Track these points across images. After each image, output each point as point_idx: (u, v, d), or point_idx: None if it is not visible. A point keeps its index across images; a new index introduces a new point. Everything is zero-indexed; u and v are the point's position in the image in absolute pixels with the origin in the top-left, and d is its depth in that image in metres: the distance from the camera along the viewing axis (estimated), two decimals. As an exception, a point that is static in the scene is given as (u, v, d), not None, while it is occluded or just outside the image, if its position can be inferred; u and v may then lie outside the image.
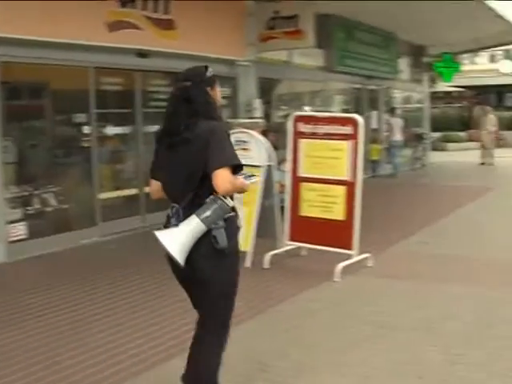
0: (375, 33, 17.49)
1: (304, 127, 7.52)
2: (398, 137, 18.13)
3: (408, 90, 21.89)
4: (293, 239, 7.72)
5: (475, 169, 20.74)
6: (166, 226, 3.45)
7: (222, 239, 3.29)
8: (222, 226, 3.30)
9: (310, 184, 7.47)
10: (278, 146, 9.27)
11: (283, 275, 7.17)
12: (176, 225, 3.33)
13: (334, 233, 7.19)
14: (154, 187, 3.65)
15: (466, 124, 32.45)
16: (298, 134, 7.58)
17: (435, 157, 23.59)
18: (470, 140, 27.50)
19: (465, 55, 59.67)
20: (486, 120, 22.03)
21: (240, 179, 3.39)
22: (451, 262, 7.67)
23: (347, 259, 7.05)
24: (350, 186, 7.12)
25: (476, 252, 8.26)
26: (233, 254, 3.43)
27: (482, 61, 60.09)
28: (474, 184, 15.97)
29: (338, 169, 7.19)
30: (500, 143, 31.98)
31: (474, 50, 24.26)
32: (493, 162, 21.39)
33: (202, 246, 3.29)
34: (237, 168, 3.35)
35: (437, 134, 31.69)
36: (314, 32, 12.62)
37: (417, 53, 21.59)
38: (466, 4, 14.00)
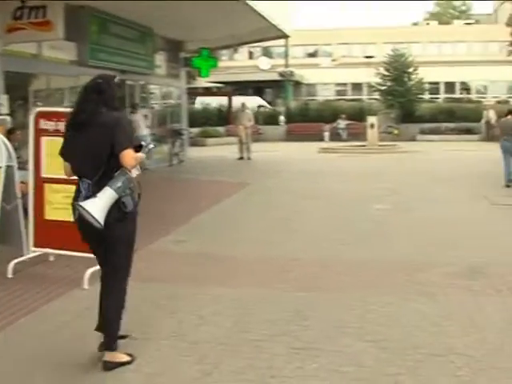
0: (131, 27, 17.16)
1: (46, 124, 6.90)
2: (144, 132, 17.73)
3: (165, 86, 21.75)
4: (38, 245, 7.10)
5: (234, 164, 21.20)
6: (77, 197, 4.31)
7: (130, 204, 4.28)
8: (128, 193, 4.26)
9: (54, 185, 6.86)
10: (21, 144, 8.60)
11: (29, 285, 6.56)
12: (89, 196, 4.19)
13: (81, 236, 6.70)
14: (66, 166, 4.49)
15: (225, 119, 33.33)
16: (40, 132, 6.96)
17: (194, 152, 23.81)
18: (229, 135, 28.21)
19: (224, 51, 62.15)
20: (243, 115, 22.58)
21: (139, 154, 4.36)
22: (208, 262, 7.53)
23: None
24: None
25: (232, 250, 8.22)
26: (135, 214, 4.41)
27: (241, 57, 62.51)
28: (231, 179, 16.19)
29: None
30: (258, 137, 33.43)
31: (232, 46, 24.87)
32: (250, 157, 22.02)
33: (113, 210, 4.20)
34: (137, 147, 4.34)
35: (196, 129, 32.18)
36: (63, 23, 12.02)
37: (174, 48, 21.57)
38: (222, 1, 14.17)
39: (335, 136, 33.38)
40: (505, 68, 53.92)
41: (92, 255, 4.79)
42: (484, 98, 52.83)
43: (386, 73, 36.15)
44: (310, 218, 10.57)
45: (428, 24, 69.90)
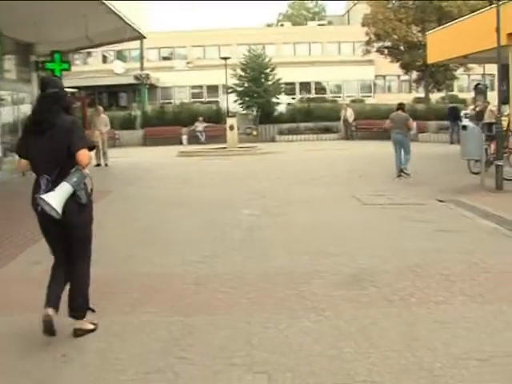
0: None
1: None
2: None
3: (15, 91, 20.03)
4: None
5: (91, 171, 19.74)
6: (37, 191, 4.80)
7: (84, 197, 4.87)
8: (82, 188, 4.84)
9: None
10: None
11: None
12: (48, 190, 4.68)
13: None
14: (23, 163, 5.02)
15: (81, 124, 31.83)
16: None
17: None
18: (86, 140, 26.84)
19: (77, 56, 60.02)
20: (99, 120, 21.40)
21: (91, 153, 5.00)
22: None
23: None
24: None
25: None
26: (90, 206, 5.03)
27: (94, 61, 60.63)
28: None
29: None
30: (114, 143, 32.29)
31: (87, 48, 23.51)
32: (108, 163, 20.95)
33: (69, 202, 4.74)
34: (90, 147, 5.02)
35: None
36: None
37: (24, 51, 20.01)
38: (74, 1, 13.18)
39: (194, 139, 32.87)
40: (357, 68, 55.71)
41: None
42: (339, 97, 54.27)
43: (243, 73, 35.92)
44: (177, 227, 9.81)
45: (282, 25, 70.90)
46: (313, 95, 56.40)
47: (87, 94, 46.42)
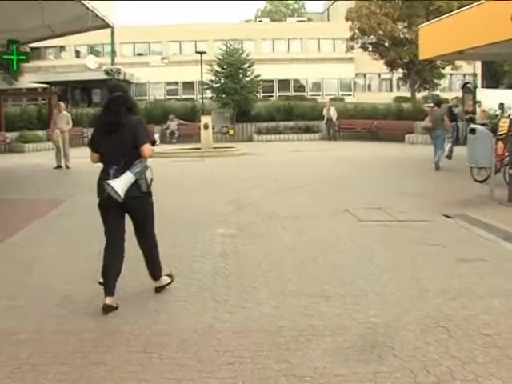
0: None
1: None
2: None
3: None
4: None
5: (49, 174, 17.88)
6: (105, 179, 5.50)
7: (144, 186, 5.66)
8: (143, 178, 5.65)
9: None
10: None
11: None
12: (116, 177, 5.44)
13: None
14: (95, 156, 5.75)
15: (47, 122, 29.82)
16: None
17: (8, 160, 20.37)
18: (50, 139, 24.76)
19: (50, 50, 57.91)
20: (59, 118, 19.29)
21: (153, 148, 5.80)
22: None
23: None
24: None
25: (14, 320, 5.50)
26: (149, 194, 5.82)
27: (67, 56, 58.59)
28: (41, 195, 13.19)
29: None
30: (84, 141, 30.19)
31: (48, 38, 21.39)
32: (69, 165, 18.91)
33: (132, 190, 5.53)
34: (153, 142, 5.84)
35: (14, 134, 28.66)
36: None
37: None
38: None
39: (166, 138, 30.99)
40: (337, 66, 54.24)
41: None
42: (318, 95, 52.75)
43: (220, 69, 33.98)
44: (133, 256, 7.79)
45: (261, 21, 69.06)
46: (291, 93, 54.77)
47: (60, 89, 44.67)
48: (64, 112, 19.58)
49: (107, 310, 5.52)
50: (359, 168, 17.96)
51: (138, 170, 5.52)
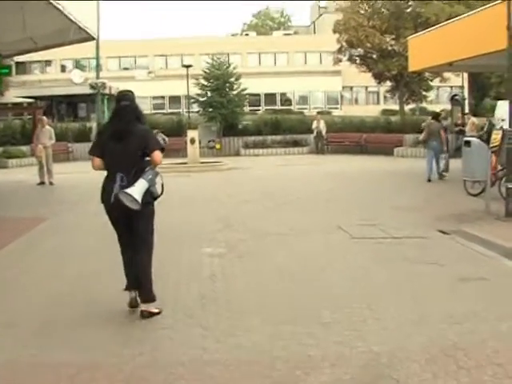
0: None
1: None
2: None
3: None
4: None
5: (32, 191, 17.38)
6: (110, 186, 5.69)
7: (156, 192, 5.83)
8: (155, 184, 5.76)
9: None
10: None
11: None
12: (123, 185, 5.58)
13: None
14: (98, 162, 5.89)
15: (30, 137, 29.31)
16: None
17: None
18: (33, 155, 24.27)
19: (36, 65, 57.51)
20: (42, 133, 18.78)
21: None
22: None
23: None
24: None
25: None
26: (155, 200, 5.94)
27: (53, 70, 58.22)
28: (22, 213, 12.63)
29: None
30: (68, 156, 29.73)
31: (31, 51, 20.95)
32: (53, 181, 18.42)
33: (145, 196, 5.64)
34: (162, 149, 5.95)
35: (-4, 150, 28.21)
36: None
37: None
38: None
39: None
40: (324, 79, 54.13)
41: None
42: (305, 109, 52.58)
43: (206, 83, 33.60)
44: (111, 280, 6.94)
45: (247, 35, 68.88)
46: (278, 107, 54.54)
47: (46, 104, 44.18)
48: (47, 127, 19.05)
49: (132, 304, 5.91)
50: (350, 182, 17.62)
51: (150, 176, 5.68)
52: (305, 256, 8.22)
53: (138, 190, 5.54)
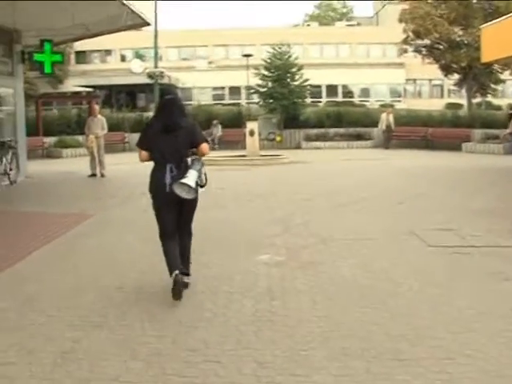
0: None
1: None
2: None
3: None
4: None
5: (82, 183, 16.73)
6: (162, 176, 5.94)
7: (203, 181, 6.04)
8: (202, 173, 6.00)
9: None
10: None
11: None
12: (173, 176, 5.89)
13: None
14: (145, 155, 6.14)
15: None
16: None
17: (43, 166, 19.39)
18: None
19: (96, 54, 57.65)
20: (94, 122, 18.06)
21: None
22: None
23: None
24: None
25: None
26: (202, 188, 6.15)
27: (112, 60, 58.24)
28: (68, 208, 11.88)
29: None
30: (124, 147, 29.23)
31: (84, 38, 20.33)
32: (104, 173, 17.73)
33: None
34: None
35: (52, 139, 27.89)
36: None
37: (6, 39, 16.91)
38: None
39: (209, 144, 29.87)
40: (387, 71, 52.62)
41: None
42: (367, 101, 51.22)
43: (267, 73, 32.59)
44: (151, 294, 6.32)
45: (309, 25, 67.51)
46: (340, 99, 53.20)
47: (105, 93, 44.09)
48: (99, 116, 18.39)
49: (183, 285, 5.99)
50: (419, 179, 16.34)
51: (198, 167, 5.94)
52: (376, 268, 7.12)
53: (192, 179, 5.83)
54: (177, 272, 5.80)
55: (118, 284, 6.50)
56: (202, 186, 6.06)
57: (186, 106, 6.49)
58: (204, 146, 6.13)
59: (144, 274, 6.96)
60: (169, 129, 5.98)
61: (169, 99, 6.14)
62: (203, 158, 6.14)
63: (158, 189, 6.00)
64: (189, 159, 6.07)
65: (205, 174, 6.07)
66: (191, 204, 6.12)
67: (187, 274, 6.18)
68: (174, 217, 6.11)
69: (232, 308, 5.68)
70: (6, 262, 7.50)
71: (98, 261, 7.65)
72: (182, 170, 5.91)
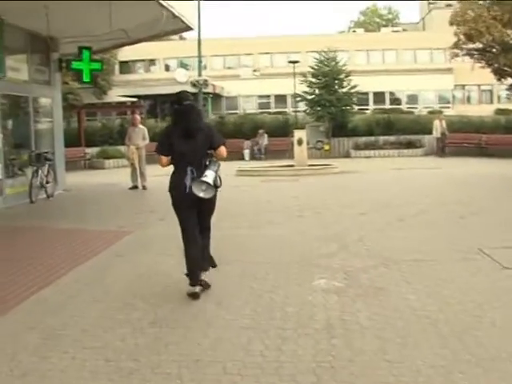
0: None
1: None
2: None
3: (28, 94, 15.99)
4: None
5: (122, 196, 16.10)
6: (182, 178, 6.17)
7: (219, 182, 6.25)
8: (218, 174, 6.24)
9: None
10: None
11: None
12: (193, 177, 6.12)
13: None
14: (166, 160, 6.36)
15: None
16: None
17: (83, 178, 18.87)
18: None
19: (140, 64, 57.57)
20: (134, 133, 17.33)
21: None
22: None
23: None
24: None
25: None
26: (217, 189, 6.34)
27: (157, 69, 58.10)
28: (105, 225, 11.21)
29: None
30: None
31: (123, 45, 19.75)
32: (145, 185, 17.03)
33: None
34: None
35: (95, 149, 27.52)
36: None
37: (42, 46, 16.37)
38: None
39: (255, 154, 29.19)
40: (435, 77, 51.26)
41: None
42: (415, 108, 49.94)
43: (314, 80, 31.68)
44: (197, 327, 5.60)
45: (354, 32, 66.40)
46: (388, 106, 51.94)
47: (149, 103, 43.76)
48: (140, 126, 17.64)
49: (195, 296, 6.18)
50: (479, 190, 15.22)
51: (216, 168, 6.22)
52: (447, 296, 6.14)
53: (210, 178, 6.07)
54: (196, 290, 6.20)
55: (151, 319, 5.66)
56: (217, 187, 6.23)
57: (201, 112, 6.77)
58: (222, 149, 6.41)
59: (182, 305, 6.11)
60: (189, 133, 6.22)
61: (187, 105, 6.33)
62: (220, 159, 6.43)
63: (178, 189, 6.22)
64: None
65: (219, 177, 6.27)
66: (209, 203, 6.35)
67: (204, 269, 6.48)
68: (195, 219, 6.36)
69: (286, 350, 4.79)
70: (28, 290, 6.75)
71: (130, 288, 6.84)
72: (201, 171, 6.15)
